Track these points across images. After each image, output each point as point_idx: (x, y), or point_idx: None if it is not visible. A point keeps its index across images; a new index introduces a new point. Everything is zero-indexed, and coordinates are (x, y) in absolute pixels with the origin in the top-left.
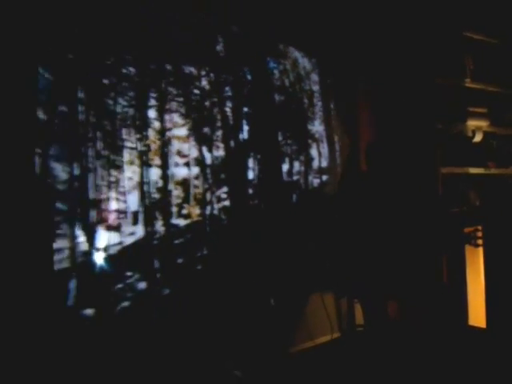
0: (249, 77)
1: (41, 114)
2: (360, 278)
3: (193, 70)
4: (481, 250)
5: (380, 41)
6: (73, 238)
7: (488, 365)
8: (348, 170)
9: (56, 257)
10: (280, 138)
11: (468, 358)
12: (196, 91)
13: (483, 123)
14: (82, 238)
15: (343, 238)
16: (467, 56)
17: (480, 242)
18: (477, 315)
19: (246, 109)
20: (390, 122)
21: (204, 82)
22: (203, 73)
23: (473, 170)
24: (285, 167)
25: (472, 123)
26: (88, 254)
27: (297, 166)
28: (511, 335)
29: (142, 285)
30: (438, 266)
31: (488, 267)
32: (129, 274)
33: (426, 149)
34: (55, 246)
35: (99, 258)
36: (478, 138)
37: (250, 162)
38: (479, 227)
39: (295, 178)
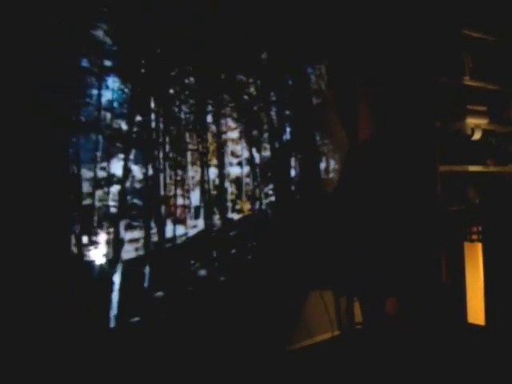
0: (290, 82)
1: (123, 125)
2: (359, 276)
3: (243, 77)
4: (480, 247)
5: (379, 38)
6: (147, 229)
7: (487, 362)
8: (347, 168)
9: (134, 246)
10: (318, 139)
11: (467, 356)
12: (245, 97)
13: (482, 121)
14: (154, 230)
15: (342, 235)
16: (466, 54)
17: (475, 236)
18: (476, 313)
19: (287, 112)
20: (389, 119)
21: (252, 89)
22: (251, 80)
23: (472, 168)
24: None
25: (471, 121)
26: (159, 244)
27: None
28: (510, 333)
29: (203, 272)
30: (436, 264)
31: (487, 265)
32: (192, 262)
33: (424, 147)
34: (133, 236)
35: (168, 248)
36: (476, 135)
37: (292, 161)
38: (477, 226)
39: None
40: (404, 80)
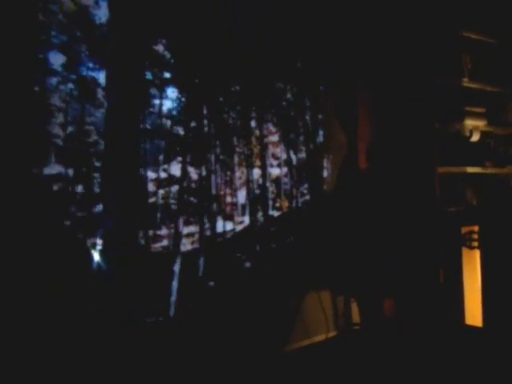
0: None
1: (180, 130)
2: (357, 277)
3: (281, 85)
4: (477, 250)
5: (378, 40)
6: (201, 224)
7: (484, 363)
8: (346, 169)
9: (190, 239)
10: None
11: (464, 357)
12: (284, 103)
13: (481, 123)
14: (207, 225)
15: (340, 236)
16: (465, 55)
17: (475, 244)
18: (473, 314)
19: (320, 116)
20: (388, 121)
21: (289, 95)
22: (288, 87)
23: (470, 170)
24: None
25: (469, 123)
26: (211, 238)
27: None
28: (508, 334)
29: (248, 263)
30: (434, 265)
31: (485, 266)
32: (238, 254)
33: (423, 148)
34: (189, 230)
35: (218, 241)
36: (475, 137)
37: (325, 162)
38: (475, 228)
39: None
40: (403, 81)
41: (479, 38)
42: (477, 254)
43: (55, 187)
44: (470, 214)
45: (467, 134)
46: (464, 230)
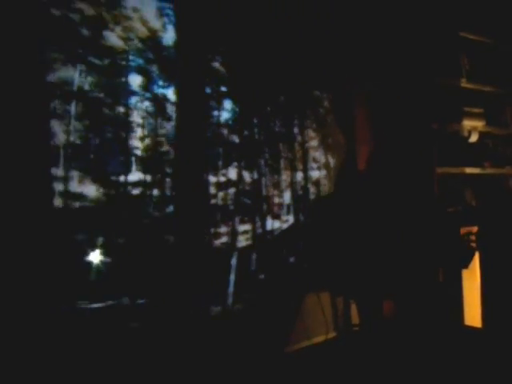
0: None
1: (235, 138)
2: (356, 278)
3: (318, 93)
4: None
5: (376, 40)
6: (253, 222)
7: (484, 364)
8: (344, 169)
9: (245, 236)
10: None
11: (464, 358)
12: (321, 110)
13: (479, 123)
14: (258, 223)
15: (339, 237)
16: (463, 56)
17: (474, 244)
18: (472, 315)
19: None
20: (386, 121)
21: (326, 103)
22: (324, 95)
23: (469, 170)
24: None
25: (468, 123)
26: (262, 235)
27: None
28: (507, 335)
29: (292, 259)
30: (433, 266)
31: (484, 267)
32: (284, 250)
33: (422, 149)
34: (244, 228)
35: (267, 238)
36: (473, 137)
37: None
38: (473, 229)
39: None
40: (401, 82)
41: (477, 38)
42: (476, 254)
43: (136, 191)
44: (469, 215)
45: (465, 134)
46: (463, 230)
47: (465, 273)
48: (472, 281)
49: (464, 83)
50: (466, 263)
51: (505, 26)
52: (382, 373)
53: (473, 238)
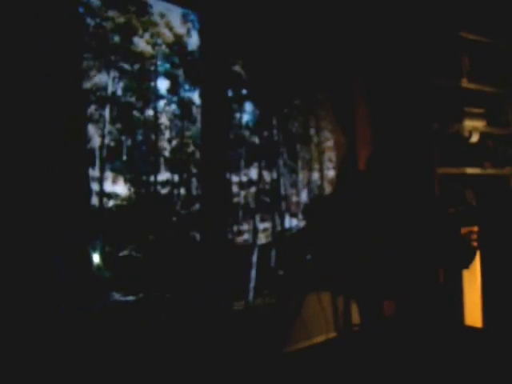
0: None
1: (256, 140)
2: (357, 277)
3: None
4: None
5: (377, 40)
6: (273, 220)
7: (484, 364)
8: (345, 169)
9: (265, 234)
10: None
11: (464, 358)
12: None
13: (480, 123)
14: (277, 221)
15: (340, 237)
16: (464, 56)
17: (475, 244)
18: (473, 315)
19: None
20: (387, 121)
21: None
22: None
23: (469, 171)
24: None
25: (468, 123)
26: (281, 232)
27: None
28: (507, 335)
29: (309, 256)
30: (434, 266)
31: (484, 267)
32: (300, 247)
33: (422, 149)
34: (264, 226)
35: (286, 236)
36: (474, 138)
37: None
38: (474, 229)
39: None
40: (402, 82)
41: (478, 38)
42: (476, 253)
43: (165, 190)
44: (470, 215)
45: (466, 134)
46: (464, 230)
47: (465, 273)
48: (473, 281)
49: (465, 83)
50: (466, 263)
51: (505, 26)
52: (383, 373)
53: (474, 237)
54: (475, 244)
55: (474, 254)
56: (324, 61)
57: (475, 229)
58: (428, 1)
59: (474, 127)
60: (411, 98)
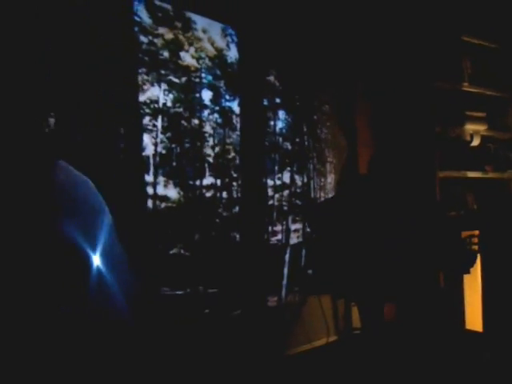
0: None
1: (289, 145)
2: (357, 281)
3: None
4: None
5: (378, 44)
6: (304, 222)
7: (484, 368)
8: (346, 172)
9: (296, 234)
10: None
11: (465, 362)
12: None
13: (481, 127)
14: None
15: (341, 240)
16: (465, 60)
17: (476, 248)
18: (474, 319)
19: None
20: (389, 125)
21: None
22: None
23: (470, 174)
24: None
25: (470, 127)
26: (310, 233)
27: None
28: (508, 339)
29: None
30: (435, 270)
31: (485, 271)
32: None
33: (424, 152)
34: (296, 227)
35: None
36: (475, 141)
37: None
38: (475, 233)
39: None
40: (403, 86)
41: (479, 42)
42: (477, 259)
43: (209, 194)
44: (471, 219)
45: (468, 138)
46: (464, 234)
47: (466, 277)
48: (473, 285)
49: (466, 87)
50: (467, 268)
51: (507, 30)
52: (384, 377)
53: (475, 241)
54: (476, 248)
55: (475, 259)
56: (329, 65)
57: (476, 233)
58: (430, 5)
59: (475, 131)
60: (413, 101)
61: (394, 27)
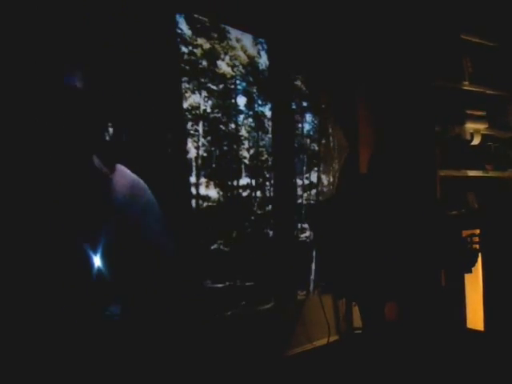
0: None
1: (315, 146)
2: (358, 280)
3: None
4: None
5: (379, 43)
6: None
7: (486, 368)
8: (346, 171)
9: None
10: None
11: (466, 361)
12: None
13: (481, 126)
14: None
15: (341, 239)
16: (465, 58)
17: (476, 246)
18: (475, 318)
19: None
20: (389, 123)
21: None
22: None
23: (471, 173)
24: None
25: (470, 126)
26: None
27: None
28: (509, 338)
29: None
30: (435, 269)
31: (486, 270)
32: None
33: (424, 151)
34: None
35: None
36: (476, 140)
37: None
38: (476, 231)
39: None
40: (404, 85)
41: (479, 41)
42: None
43: (245, 193)
44: (471, 218)
45: (468, 137)
46: (465, 233)
47: (467, 276)
48: (475, 284)
49: (466, 86)
50: (469, 267)
51: (507, 28)
52: (385, 376)
53: (475, 240)
54: (477, 247)
55: (477, 258)
56: (330, 64)
57: (477, 232)
58: (430, 3)
59: (475, 129)
60: (413, 100)
61: (394, 27)
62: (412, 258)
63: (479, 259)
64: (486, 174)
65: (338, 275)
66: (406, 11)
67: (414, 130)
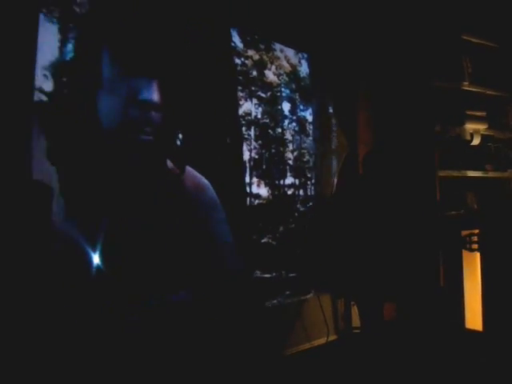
0: None
1: None
2: (357, 280)
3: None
4: (478, 253)
5: (379, 43)
6: None
7: (484, 368)
8: (346, 171)
9: None
10: None
11: (465, 361)
12: None
13: (481, 126)
14: None
15: (341, 239)
16: (465, 59)
17: (475, 246)
18: (474, 318)
19: None
20: (388, 124)
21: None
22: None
23: (471, 173)
24: None
25: (470, 126)
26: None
27: None
28: (508, 338)
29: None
30: (435, 269)
31: (485, 270)
32: None
33: (424, 152)
34: None
35: None
36: (475, 141)
37: None
38: (475, 231)
39: None
40: (404, 85)
41: (479, 41)
42: (477, 257)
43: (290, 192)
44: (471, 218)
45: (468, 137)
46: (464, 232)
47: (466, 276)
48: (473, 284)
49: (466, 86)
50: None
51: (507, 29)
52: (383, 376)
53: (474, 239)
54: (476, 247)
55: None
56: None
57: (476, 231)
58: (430, 4)
59: (475, 130)
60: (413, 100)
61: (395, 27)
62: (411, 257)
63: (478, 257)
64: (485, 175)
65: (336, 275)
66: (407, 12)
67: (413, 131)
